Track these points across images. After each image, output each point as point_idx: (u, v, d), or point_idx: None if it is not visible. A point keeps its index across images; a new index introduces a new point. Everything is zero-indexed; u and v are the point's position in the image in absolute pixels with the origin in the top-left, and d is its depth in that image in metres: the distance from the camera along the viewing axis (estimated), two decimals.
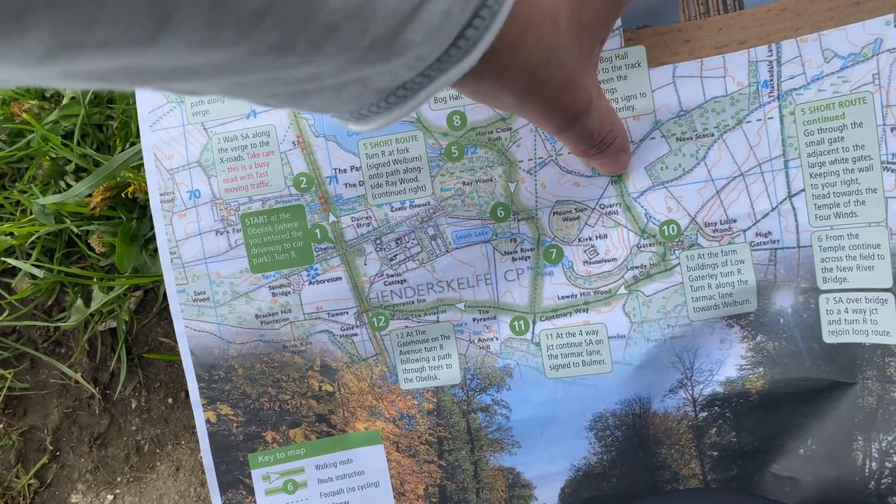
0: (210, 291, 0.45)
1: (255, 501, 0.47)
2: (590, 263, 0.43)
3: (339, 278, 0.45)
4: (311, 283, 0.45)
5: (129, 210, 0.55)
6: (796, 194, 0.41)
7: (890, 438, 0.40)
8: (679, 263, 0.42)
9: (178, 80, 0.21)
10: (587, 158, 0.41)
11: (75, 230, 0.56)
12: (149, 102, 0.45)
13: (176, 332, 0.45)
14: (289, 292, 0.45)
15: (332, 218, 0.44)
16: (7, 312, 0.59)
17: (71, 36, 0.16)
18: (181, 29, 0.17)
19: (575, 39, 0.30)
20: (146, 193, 0.52)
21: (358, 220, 0.44)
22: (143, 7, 0.16)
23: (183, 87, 0.22)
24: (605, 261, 0.43)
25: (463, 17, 0.23)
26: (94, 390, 0.58)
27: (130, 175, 0.54)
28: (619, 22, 0.41)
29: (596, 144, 0.37)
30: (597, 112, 0.35)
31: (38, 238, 0.57)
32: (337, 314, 0.45)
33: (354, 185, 0.44)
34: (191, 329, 0.45)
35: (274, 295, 0.45)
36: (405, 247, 0.44)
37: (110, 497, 0.58)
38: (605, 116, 0.36)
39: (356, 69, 0.23)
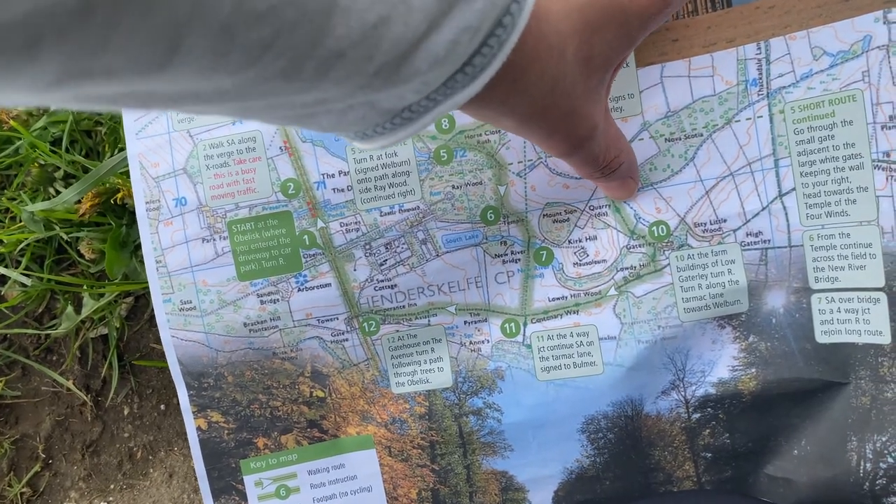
0: (196, 300, 0.45)
1: None
2: (580, 265, 0.43)
3: (329, 284, 0.44)
4: (299, 289, 0.44)
5: (119, 216, 0.55)
6: (787, 193, 0.40)
7: (884, 439, 0.39)
8: (669, 264, 0.42)
9: (185, 104, 0.21)
10: (593, 182, 0.40)
11: (65, 237, 0.56)
12: (134, 111, 0.44)
13: (163, 342, 0.45)
14: (277, 300, 0.44)
15: (320, 224, 0.44)
16: None
17: (80, 64, 0.16)
18: (189, 57, 0.17)
19: (582, 72, 0.30)
20: None
21: (347, 225, 0.44)
22: (152, 36, 0.16)
23: (191, 108, 0.22)
24: (595, 262, 0.43)
25: (470, 47, 0.23)
26: (85, 397, 0.58)
27: (119, 181, 0.53)
28: None
29: (601, 169, 0.36)
30: (603, 138, 0.34)
31: (27, 245, 0.56)
32: (327, 320, 0.45)
33: (343, 190, 0.43)
34: (177, 339, 0.45)
35: (262, 303, 0.44)
36: (395, 251, 0.44)
37: None
38: (612, 142, 0.36)
39: (363, 94, 0.23)
